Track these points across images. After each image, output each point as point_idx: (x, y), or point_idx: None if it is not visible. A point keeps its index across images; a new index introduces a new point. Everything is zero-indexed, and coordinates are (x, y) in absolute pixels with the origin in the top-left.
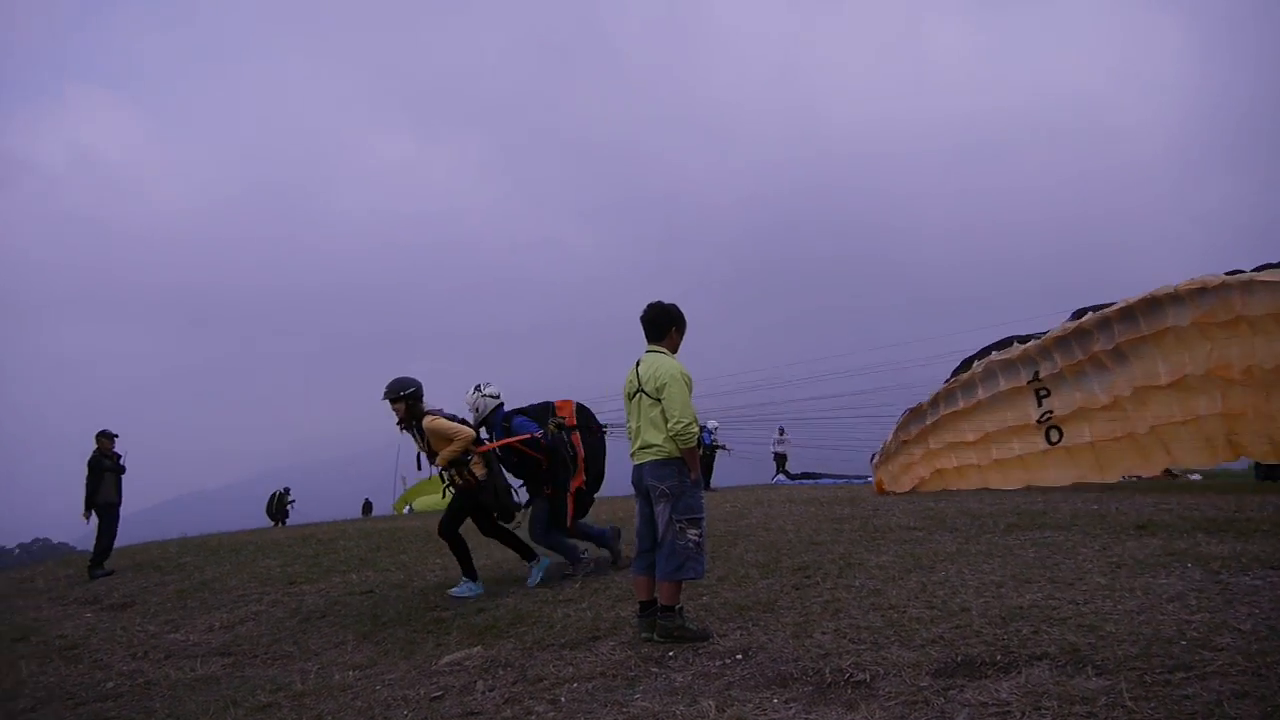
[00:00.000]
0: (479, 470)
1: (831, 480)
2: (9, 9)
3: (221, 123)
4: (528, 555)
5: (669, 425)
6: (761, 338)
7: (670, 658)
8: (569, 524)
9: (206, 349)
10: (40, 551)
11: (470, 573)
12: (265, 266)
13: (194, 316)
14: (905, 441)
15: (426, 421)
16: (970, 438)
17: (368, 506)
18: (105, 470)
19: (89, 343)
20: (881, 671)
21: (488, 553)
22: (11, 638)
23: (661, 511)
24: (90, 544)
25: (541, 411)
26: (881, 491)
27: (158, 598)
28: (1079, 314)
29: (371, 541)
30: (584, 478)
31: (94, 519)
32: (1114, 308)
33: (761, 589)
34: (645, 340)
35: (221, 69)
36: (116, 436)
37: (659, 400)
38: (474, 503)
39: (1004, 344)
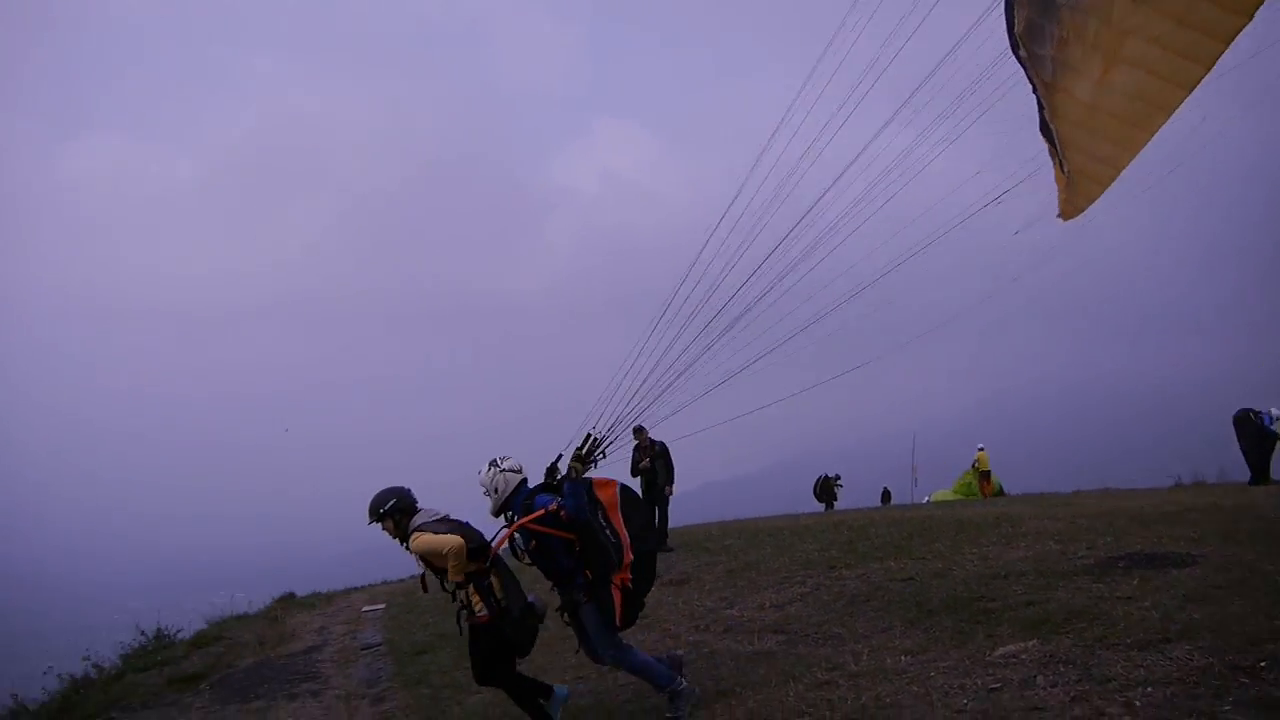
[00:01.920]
0: (477, 602)
1: None
2: (548, 62)
3: (727, 137)
4: (543, 694)
5: None
6: None
7: (1262, 667)
8: (619, 622)
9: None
10: None
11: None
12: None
13: None
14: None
15: (411, 542)
16: None
17: (886, 495)
18: (654, 458)
19: (619, 346)
20: None
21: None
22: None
23: None
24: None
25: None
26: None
27: (710, 576)
28: None
29: (902, 529)
30: (630, 574)
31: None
32: None
33: None
34: None
35: (721, 88)
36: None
37: None
38: (496, 641)
39: None
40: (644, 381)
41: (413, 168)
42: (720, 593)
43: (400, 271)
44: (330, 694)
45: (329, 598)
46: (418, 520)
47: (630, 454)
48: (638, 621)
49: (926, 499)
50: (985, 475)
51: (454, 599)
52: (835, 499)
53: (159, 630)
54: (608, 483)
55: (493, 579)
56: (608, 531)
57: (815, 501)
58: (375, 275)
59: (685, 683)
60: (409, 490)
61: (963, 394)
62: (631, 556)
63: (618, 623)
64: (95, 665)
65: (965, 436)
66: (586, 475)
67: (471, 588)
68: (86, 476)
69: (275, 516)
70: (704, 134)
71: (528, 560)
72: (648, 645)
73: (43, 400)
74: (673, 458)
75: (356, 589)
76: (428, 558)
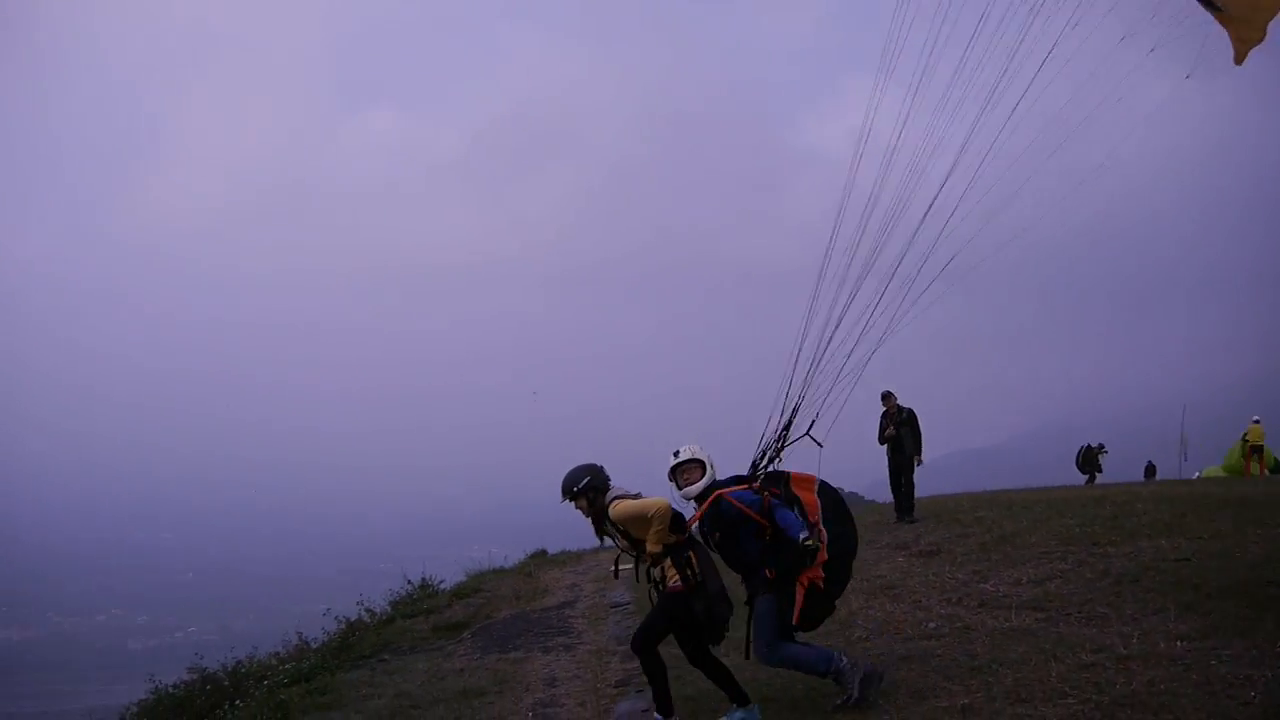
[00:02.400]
0: (672, 575)
1: None
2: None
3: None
4: (738, 698)
5: None
6: None
7: None
8: (795, 620)
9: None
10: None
11: (666, 708)
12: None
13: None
14: None
15: (611, 510)
16: None
17: (1151, 469)
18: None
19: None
20: None
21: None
22: None
23: None
24: (877, 494)
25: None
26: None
27: (962, 548)
28: None
29: (1174, 506)
30: (823, 572)
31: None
32: None
33: None
34: None
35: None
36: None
37: None
38: (683, 613)
39: None
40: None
41: (663, 128)
42: (973, 565)
43: (652, 232)
44: (583, 649)
45: (578, 556)
46: (613, 493)
47: (877, 420)
48: (823, 626)
49: (1196, 474)
50: (1258, 450)
51: (647, 578)
52: (1100, 469)
53: (424, 580)
54: (807, 479)
55: (690, 554)
56: (806, 526)
57: (1076, 472)
58: (627, 238)
59: (847, 660)
60: (602, 467)
61: (1241, 361)
62: (826, 557)
63: (795, 620)
64: (368, 610)
65: (1243, 408)
66: (785, 470)
67: (668, 561)
68: (377, 430)
69: (526, 473)
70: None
71: (713, 546)
72: (897, 616)
73: (341, 356)
74: (921, 425)
75: (604, 548)
76: (629, 524)
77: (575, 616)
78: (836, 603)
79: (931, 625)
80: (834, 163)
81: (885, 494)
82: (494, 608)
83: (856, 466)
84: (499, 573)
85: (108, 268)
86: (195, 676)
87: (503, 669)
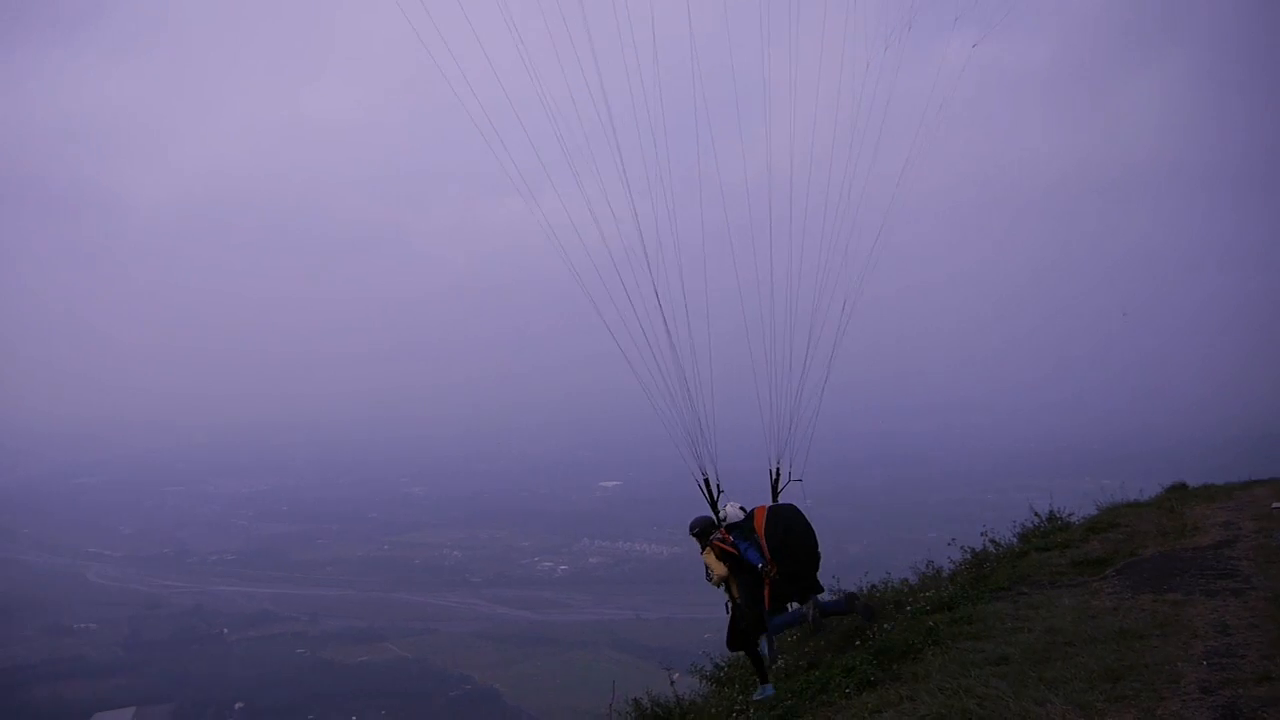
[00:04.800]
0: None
1: None
2: None
3: None
4: (762, 677)
5: None
6: None
7: None
8: (766, 605)
9: None
10: None
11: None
12: None
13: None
14: None
15: (703, 555)
16: None
17: None
18: None
19: None
20: None
21: None
22: None
23: None
24: None
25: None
26: None
27: None
28: None
29: None
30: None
31: None
32: None
33: None
34: None
35: None
36: None
37: None
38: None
39: None
40: None
41: None
42: None
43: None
44: (1255, 594)
45: (1227, 490)
46: (714, 535)
47: None
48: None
49: None
50: None
51: (726, 590)
52: None
53: (1051, 512)
54: (759, 513)
55: (730, 582)
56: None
57: None
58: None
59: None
60: (712, 519)
61: None
62: (774, 564)
63: (766, 606)
64: (993, 541)
65: None
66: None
67: (731, 581)
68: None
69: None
70: None
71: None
72: None
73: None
74: None
75: (1258, 481)
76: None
77: (1237, 558)
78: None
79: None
80: None
81: None
82: (1137, 544)
83: None
84: (1134, 507)
85: None
86: (839, 596)
87: (1161, 611)
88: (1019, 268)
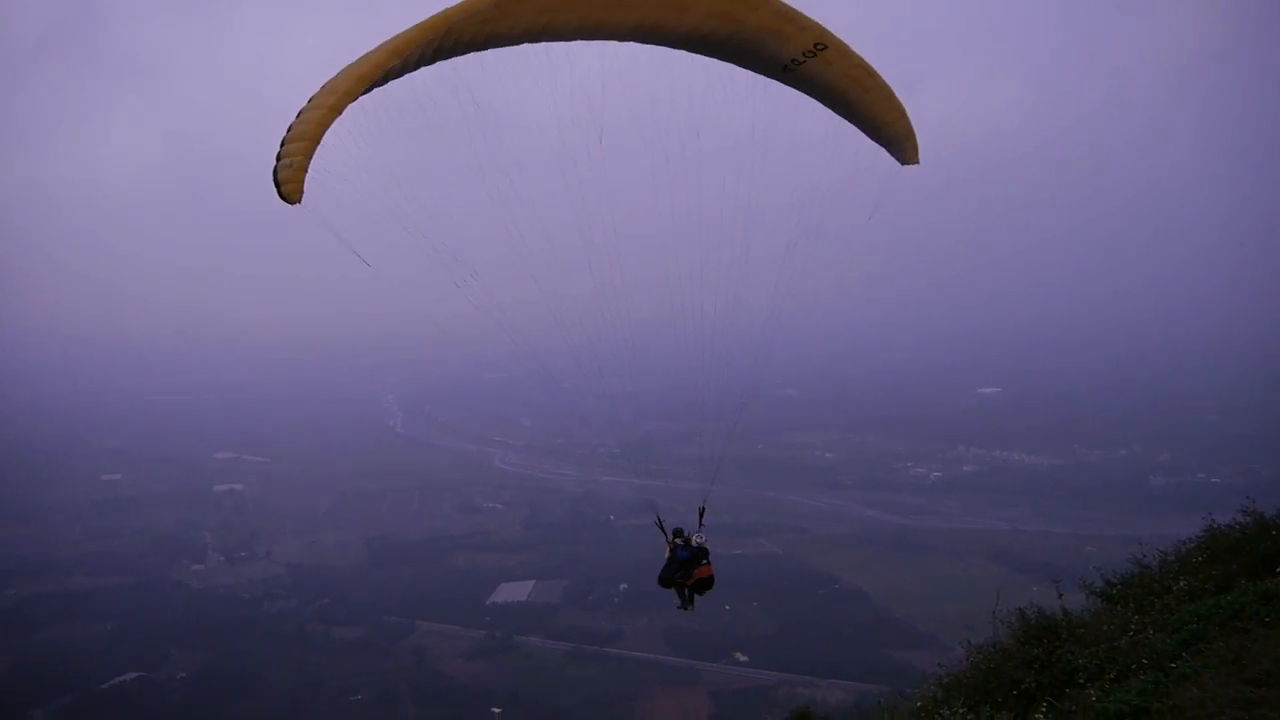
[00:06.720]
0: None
1: None
2: None
3: None
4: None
5: None
6: None
7: None
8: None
9: None
10: None
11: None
12: None
13: None
14: None
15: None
16: None
17: None
18: None
19: None
20: None
21: None
22: None
23: None
24: None
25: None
26: None
27: None
28: None
29: None
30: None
31: None
32: None
33: None
34: None
35: None
36: None
37: None
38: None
39: None
40: None
41: None
42: None
43: None
44: None
45: None
46: (678, 539)
47: None
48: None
49: None
50: None
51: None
52: None
53: None
54: (704, 549)
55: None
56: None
57: None
58: None
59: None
60: (683, 532)
61: None
62: (695, 578)
63: (689, 585)
64: None
65: None
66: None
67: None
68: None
69: None
70: None
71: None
72: None
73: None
74: None
75: None
76: None
77: None
78: None
79: None
80: None
81: None
82: None
83: None
84: None
85: None
86: (1250, 519)
87: None
88: None
